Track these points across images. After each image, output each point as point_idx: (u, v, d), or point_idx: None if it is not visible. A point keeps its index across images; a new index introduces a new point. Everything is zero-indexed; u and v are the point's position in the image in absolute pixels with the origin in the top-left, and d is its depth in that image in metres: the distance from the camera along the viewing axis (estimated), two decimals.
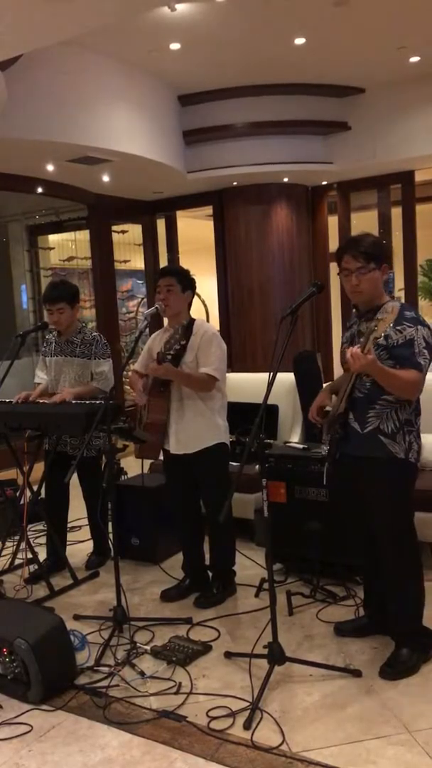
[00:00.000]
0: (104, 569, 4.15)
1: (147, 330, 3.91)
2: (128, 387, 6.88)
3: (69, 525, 4.35)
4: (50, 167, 6.42)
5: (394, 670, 2.80)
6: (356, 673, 2.82)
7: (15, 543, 4.19)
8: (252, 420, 2.77)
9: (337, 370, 3.03)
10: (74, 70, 5.75)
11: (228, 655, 3.05)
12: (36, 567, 3.99)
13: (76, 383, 3.99)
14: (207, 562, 3.79)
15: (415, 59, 6.58)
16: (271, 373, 2.71)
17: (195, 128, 7.32)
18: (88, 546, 4.37)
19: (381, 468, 2.78)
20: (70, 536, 4.41)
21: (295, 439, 4.58)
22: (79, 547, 4.49)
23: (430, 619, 3.00)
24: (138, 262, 8.99)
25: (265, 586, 3.54)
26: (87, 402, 3.74)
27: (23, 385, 4.49)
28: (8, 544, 4.16)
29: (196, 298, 3.71)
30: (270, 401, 2.79)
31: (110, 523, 4.03)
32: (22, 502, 4.17)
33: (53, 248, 8.82)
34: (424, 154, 7.21)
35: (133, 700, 2.74)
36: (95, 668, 2.98)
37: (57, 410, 3.71)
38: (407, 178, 7.96)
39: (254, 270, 8.16)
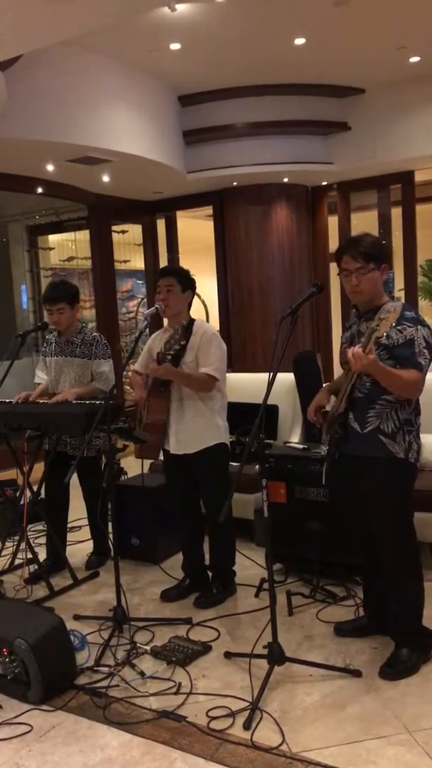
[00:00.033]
0: (104, 569, 4.15)
1: (147, 330, 3.91)
2: (128, 387, 6.89)
3: (69, 525, 4.35)
4: (50, 167, 6.42)
5: (394, 670, 2.80)
6: (356, 673, 2.82)
7: (15, 543, 4.19)
8: (252, 420, 2.77)
9: (337, 370, 3.03)
10: (74, 70, 5.75)
11: (228, 655, 3.05)
12: (36, 567, 3.99)
13: (76, 383, 3.99)
14: (207, 562, 3.79)
15: (415, 59, 6.59)
16: (271, 373, 2.71)
17: (195, 128, 7.32)
18: (88, 546, 4.37)
19: (381, 468, 2.78)
20: (70, 536, 4.41)
21: (295, 439, 4.58)
22: (79, 547, 4.49)
23: (430, 619, 3.00)
24: (138, 262, 8.99)
25: (265, 586, 3.54)
26: (87, 402, 3.74)
27: (23, 385, 4.50)
28: (8, 544, 4.16)
29: (196, 298, 3.71)
30: (270, 401, 2.79)
31: (110, 523, 4.04)
32: (22, 502, 4.17)
33: (53, 248, 8.82)
34: (424, 154, 7.21)
35: (133, 700, 2.74)
36: (95, 668, 2.98)
37: (57, 410, 3.71)
38: (407, 178, 7.96)
39: (254, 270, 8.16)
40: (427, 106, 7.11)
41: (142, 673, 2.92)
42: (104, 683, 2.86)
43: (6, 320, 8.20)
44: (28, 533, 4.10)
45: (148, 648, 3.11)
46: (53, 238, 8.84)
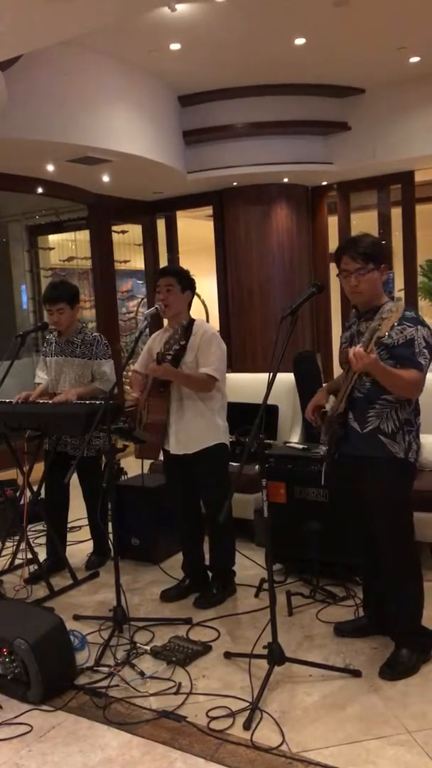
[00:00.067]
0: (104, 569, 4.15)
1: (147, 330, 3.91)
2: (128, 387, 6.89)
3: (69, 525, 4.34)
4: (50, 167, 6.42)
5: (394, 670, 2.80)
6: (356, 674, 2.82)
7: (15, 543, 4.19)
8: (252, 420, 2.77)
9: (337, 371, 3.03)
10: (74, 70, 5.75)
11: (228, 655, 3.05)
12: (36, 567, 3.99)
13: (77, 383, 4.00)
14: (207, 562, 3.79)
15: (415, 59, 6.59)
16: (271, 373, 2.71)
17: (195, 128, 7.32)
18: (88, 546, 4.37)
19: (381, 468, 2.78)
20: (70, 536, 4.41)
21: (295, 439, 4.58)
22: (79, 547, 4.49)
23: (430, 619, 3.00)
24: (138, 262, 8.99)
25: (265, 586, 3.55)
26: (87, 402, 3.74)
27: (23, 385, 4.50)
28: (8, 544, 4.16)
29: (196, 298, 3.71)
30: (270, 401, 2.79)
31: (110, 523, 4.04)
32: (22, 502, 4.17)
33: (53, 248, 8.82)
34: (424, 154, 7.21)
35: (133, 701, 2.74)
36: (95, 668, 2.98)
37: (57, 410, 3.72)
38: (407, 179, 7.96)
39: (254, 270, 8.16)
40: (427, 106, 7.11)
41: (142, 673, 2.92)
42: (104, 683, 2.86)
43: (6, 320, 8.20)
44: (28, 533, 4.10)
45: (148, 648, 3.11)
46: (53, 238, 8.84)
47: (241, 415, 4.21)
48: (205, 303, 8.41)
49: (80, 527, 4.73)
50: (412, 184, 7.98)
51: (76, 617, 3.50)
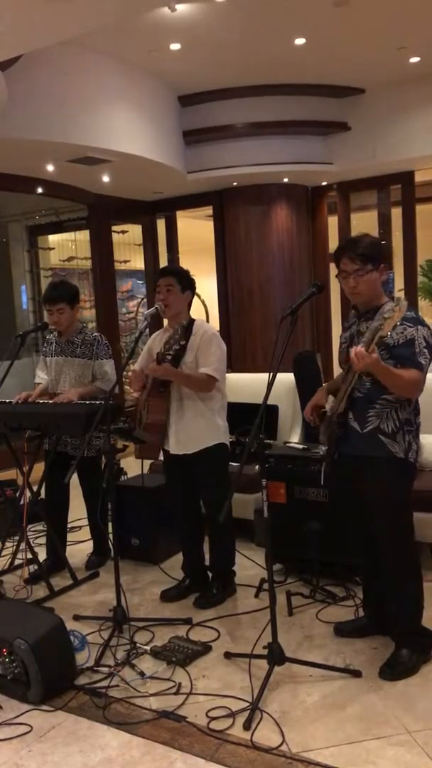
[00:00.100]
0: (104, 569, 4.15)
1: (147, 330, 3.91)
2: (128, 387, 6.89)
3: (69, 525, 4.35)
4: (50, 167, 6.42)
5: (394, 670, 2.80)
6: (356, 674, 2.82)
7: (15, 543, 4.19)
8: (252, 420, 2.77)
9: (337, 371, 3.03)
10: (74, 70, 5.75)
11: (228, 655, 3.05)
12: (36, 567, 3.99)
13: (77, 383, 4.00)
14: (207, 563, 3.79)
15: (415, 59, 6.59)
16: (271, 373, 2.71)
17: (195, 128, 7.32)
18: (88, 546, 4.37)
19: (381, 468, 2.78)
20: (70, 536, 4.41)
21: (294, 439, 4.58)
22: (79, 548, 4.49)
23: (430, 620, 3.00)
24: (138, 263, 8.99)
25: (265, 586, 3.54)
26: (87, 402, 3.74)
27: (23, 385, 4.50)
28: (8, 544, 4.16)
29: (196, 298, 3.71)
30: (270, 401, 2.78)
31: (110, 523, 4.04)
32: (22, 502, 4.17)
33: (53, 248, 8.82)
34: (424, 154, 7.21)
35: (133, 701, 2.74)
36: (95, 668, 2.98)
37: (57, 410, 3.72)
38: (407, 179, 7.96)
39: (254, 270, 8.16)
40: (427, 106, 7.11)
41: (142, 674, 2.92)
42: (104, 683, 2.86)
43: (6, 320, 8.20)
44: (28, 533, 4.10)
45: (148, 648, 3.11)
46: (53, 239, 8.84)
47: (241, 415, 4.21)
48: (205, 303, 8.40)
49: (80, 527, 4.73)
50: (412, 184, 7.98)
51: (76, 617, 3.50)
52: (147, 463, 4.10)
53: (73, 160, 6.21)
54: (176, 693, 2.78)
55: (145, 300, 9.08)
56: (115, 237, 8.46)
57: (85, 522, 4.45)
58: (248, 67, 6.60)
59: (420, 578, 2.88)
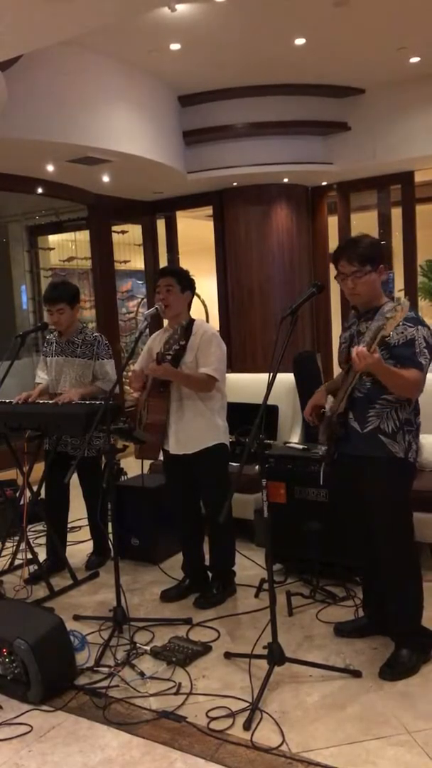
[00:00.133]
0: (104, 569, 4.15)
1: (147, 330, 3.91)
2: (128, 387, 6.89)
3: (69, 525, 4.34)
4: (50, 167, 6.42)
5: (394, 670, 2.80)
6: (356, 674, 2.82)
7: (15, 543, 4.19)
8: (252, 420, 2.77)
9: (337, 371, 3.03)
10: (74, 70, 5.75)
11: (228, 655, 3.05)
12: (36, 567, 3.99)
13: (77, 383, 4.00)
14: (207, 563, 3.78)
15: (415, 59, 6.59)
16: (271, 374, 2.71)
17: (195, 128, 7.32)
18: (88, 546, 4.37)
19: (381, 468, 2.78)
20: (70, 536, 4.41)
21: (294, 439, 4.58)
22: (79, 548, 4.49)
23: (430, 620, 3.00)
24: (138, 263, 8.99)
25: (265, 586, 3.54)
26: (87, 402, 3.74)
27: (23, 385, 4.50)
28: (8, 544, 4.16)
29: (196, 298, 3.71)
30: (270, 401, 2.78)
31: (110, 524, 4.04)
32: (22, 502, 4.17)
33: (53, 249, 8.82)
34: (424, 154, 7.21)
35: (133, 701, 2.74)
36: (95, 668, 2.98)
37: (57, 410, 3.71)
38: (407, 179, 7.96)
39: (254, 270, 8.16)
40: (427, 106, 7.11)
41: (142, 674, 2.92)
42: (104, 683, 2.86)
43: (6, 320, 8.20)
44: (28, 533, 4.10)
45: (148, 648, 3.11)
46: (53, 239, 8.84)
47: (241, 415, 4.21)
48: (205, 303, 8.40)
49: (80, 527, 4.73)
50: (412, 185, 7.98)
51: (76, 617, 3.50)
52: (147, 463, 4.10)
53: (73, 160, 6.21)
54: (176, 693, 2.78)
55: (145, 300, 9.08)
56: (115, 237, 8.46)
57: (85, 522, 4.45)
58: (248, 67, 6.60)
59: (420, 578, 2.88)
